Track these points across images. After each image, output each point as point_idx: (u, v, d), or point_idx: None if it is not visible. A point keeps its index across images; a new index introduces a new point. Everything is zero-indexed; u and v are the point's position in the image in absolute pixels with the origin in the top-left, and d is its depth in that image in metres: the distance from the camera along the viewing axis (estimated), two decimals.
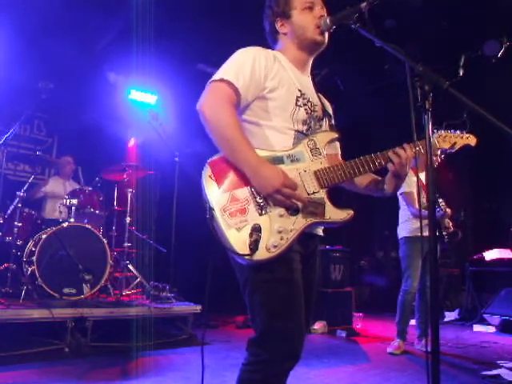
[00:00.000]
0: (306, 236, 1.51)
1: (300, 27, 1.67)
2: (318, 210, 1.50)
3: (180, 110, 5.73)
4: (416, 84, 1.28)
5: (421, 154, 1.62)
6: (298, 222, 1.46)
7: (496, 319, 5.50)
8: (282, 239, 1.42)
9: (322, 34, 1.67)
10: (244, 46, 1.63)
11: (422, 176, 3.92)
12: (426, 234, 4.23)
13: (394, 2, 3.96)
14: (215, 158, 1.52)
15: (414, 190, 4.11)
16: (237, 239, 1.40)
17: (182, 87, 5.65)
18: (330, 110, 1.82)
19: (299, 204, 1.46)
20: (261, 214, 1.43)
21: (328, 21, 1.62)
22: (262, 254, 1.39)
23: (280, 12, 1.70)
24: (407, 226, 4.21)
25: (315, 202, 1.50)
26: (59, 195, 4.97)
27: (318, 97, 1.76)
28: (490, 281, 6.20)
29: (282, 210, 1.44)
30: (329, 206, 1.52)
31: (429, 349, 1.20)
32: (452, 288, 6.86)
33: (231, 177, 1.48)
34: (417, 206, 4.05)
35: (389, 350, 4.08)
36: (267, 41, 1.81)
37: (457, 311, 6.47)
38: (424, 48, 4.89)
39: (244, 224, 1.41)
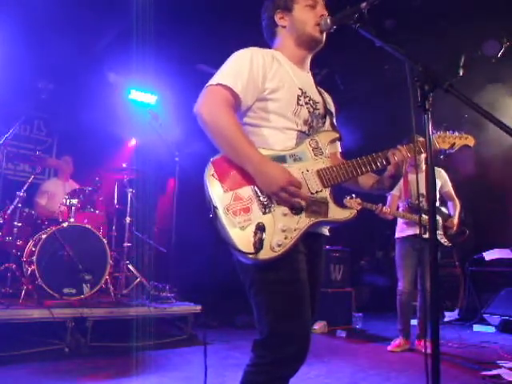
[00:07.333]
0: (310, 236, 1.51)
1: (300, 22, 1.67)
2: (322, 209, 1.50)
3: (180, 110, 5.72)
4: (416, 84, 1.28)
5: (420, 153, 1.64)
6: (302, 221, 1.45)
7: (496, 319, 5.49)
8: (286, 238, 1.41)
9: (321, 32, 1.67)
10: (244, 45, 1.62)
11: (412, 176, 4.03)
12: (410, 233, 4.40)
13: (394, 2, 3.96)
14: (218, 156, 1.51)
15: (396, 193, 4.27)
16: (241, 238, 1.39)
17: (182, 87, 5.64)
18: (332, 107, 1.82)
19: (303, 203, 1.45)
20: (264, 213, 1.43)
21: (328, 21, 1.63)
22: (266, 253, 1.38)
23: (281, 4, 1.70)
24: (398, 226, 4.36)
25: (318, 201, 1.50)
26: (59, 195, 4.96)
27: (320, 93, 1.76)
28: (490, 281, 6.19)
29: (285, 209, 1.44)
30: (332, 205, 1.52)
31: (428, 349, 1.20)
32: (452, 288, 6.85)
33: (234, 175, 1.47)
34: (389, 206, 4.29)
35: (389, 347, 4.13)
36: (264, 37, 1.81)
37: (457, 311, 6.46)
38: (424, 48, 4.88)
39: (248, 223, 1.41)
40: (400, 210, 4.30)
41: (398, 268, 4.23)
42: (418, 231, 4.15)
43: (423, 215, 4.13)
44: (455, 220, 4.24)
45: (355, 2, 1.49)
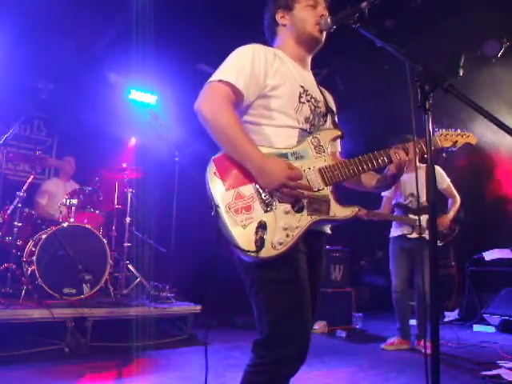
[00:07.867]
0: (311, 234, 1.51)
1: (300, 20, 1.67)
2: (323, 208, 1.50)
3: (180, 110, 5.72)
4: (416, 84, 1.28)
5: (424, 152, 1.63)
6: (304, 219, 1.45)
7: (496, 319, 5.49)
8: (287, 236, 1.41)
9: (321, 32, 1.67)
10: (243, 45, 1.62)
11: (406, 176, 4.03)
12: (398, 233, 4.36)
13: (394, 2, 3.96)
14: (219, 154, 1.51)
15: (388, 194, 4.32)
16: (242, 236, 1.39)
17: (182, 87, 5.64)
18: (334, 106, 1.82)
19: (304, 201, 1.45)
20: (266, 211, 1.42)
21: (328, 20, 1.63)
22: (267, 252, 1.38)
23: (282, 3, 1.71)
24: (392, 226, 4.39)
25: (320, 200, 1.50)
26: (59, 195, 4.96)
27: (321, 92, 1.76)
28: (490, 281, 6.19)
29: (287, 207, 1.44)
30: (334, 204, 1.52)
31: (428, 349, 1.20)
32: (452, 288, 6.85)
33: (236, 174, 1.47)
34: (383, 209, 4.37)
35: (382, 345, 4.17)
36: (265, 37, 1.81)
37: (457, 311, 6.46)
38: (424, 48, 4.88)
39: (249, 221, 1.40)
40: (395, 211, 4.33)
41: (391, 267, 4.30)
42: (405, 231, 4.16)
43: (411, 215, 4.14)
44: (446, 219, 4.13)
45: (355, 2, 1.49)
